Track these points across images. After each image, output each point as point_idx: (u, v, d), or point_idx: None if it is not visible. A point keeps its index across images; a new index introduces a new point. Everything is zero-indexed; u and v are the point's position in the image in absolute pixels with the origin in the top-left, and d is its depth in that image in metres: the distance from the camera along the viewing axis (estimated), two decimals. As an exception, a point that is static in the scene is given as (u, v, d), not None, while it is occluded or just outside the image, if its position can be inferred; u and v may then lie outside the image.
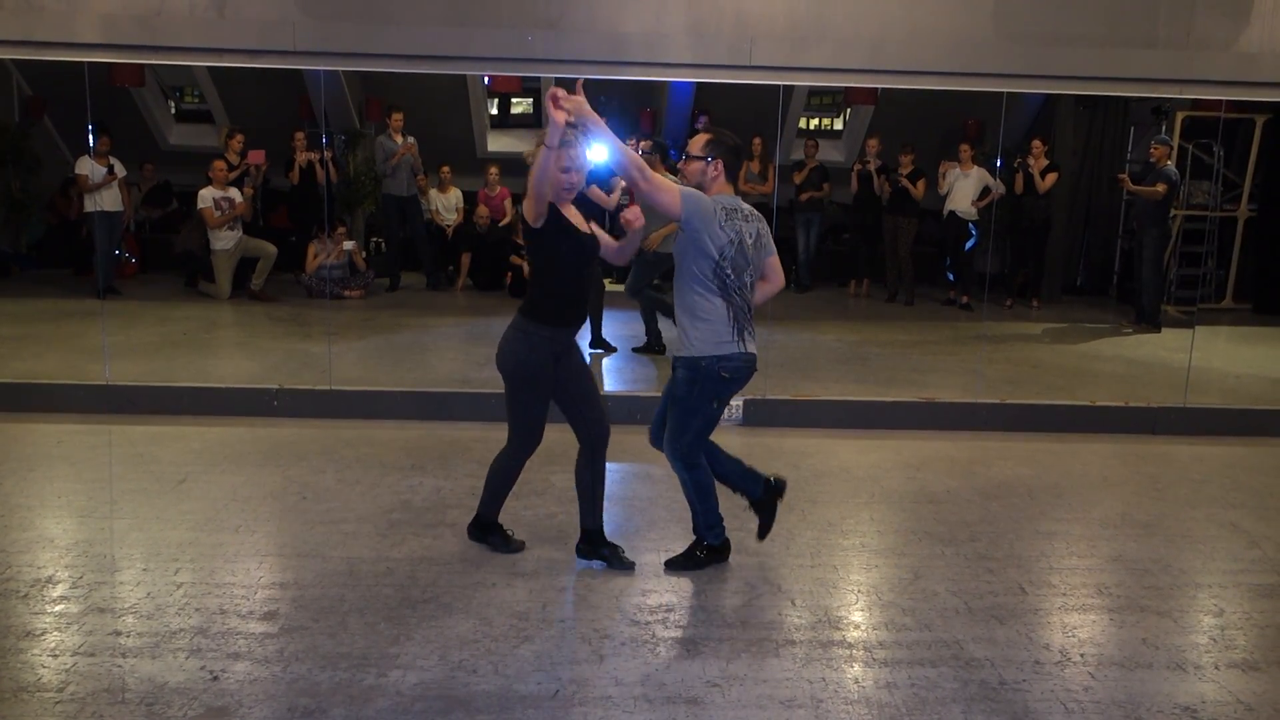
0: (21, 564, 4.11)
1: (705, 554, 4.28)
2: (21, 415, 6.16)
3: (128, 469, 5.30)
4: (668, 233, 6.65)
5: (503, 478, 4.27)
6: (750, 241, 4.02)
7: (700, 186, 4.03)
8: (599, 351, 7.87)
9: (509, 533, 4.39)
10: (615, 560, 4.24)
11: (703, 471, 4.18)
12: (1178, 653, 3.66)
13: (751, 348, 4.07)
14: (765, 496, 4.30)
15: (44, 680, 3.28)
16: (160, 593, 3.89)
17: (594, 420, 4.16)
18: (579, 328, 4.17)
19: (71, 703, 3.15)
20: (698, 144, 4.07)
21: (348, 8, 7.23)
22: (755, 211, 4.14)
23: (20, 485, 5.03)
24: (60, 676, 3.30)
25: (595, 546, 4.26)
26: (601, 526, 4.27)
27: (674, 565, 4.26)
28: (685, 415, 4.08)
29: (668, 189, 3.91)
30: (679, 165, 4.16)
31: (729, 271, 3.96)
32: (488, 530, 4.37)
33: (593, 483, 4.21)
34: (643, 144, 7.40)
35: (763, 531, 4.34)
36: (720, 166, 4.03)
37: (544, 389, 4.06)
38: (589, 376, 4.22)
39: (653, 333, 7.82)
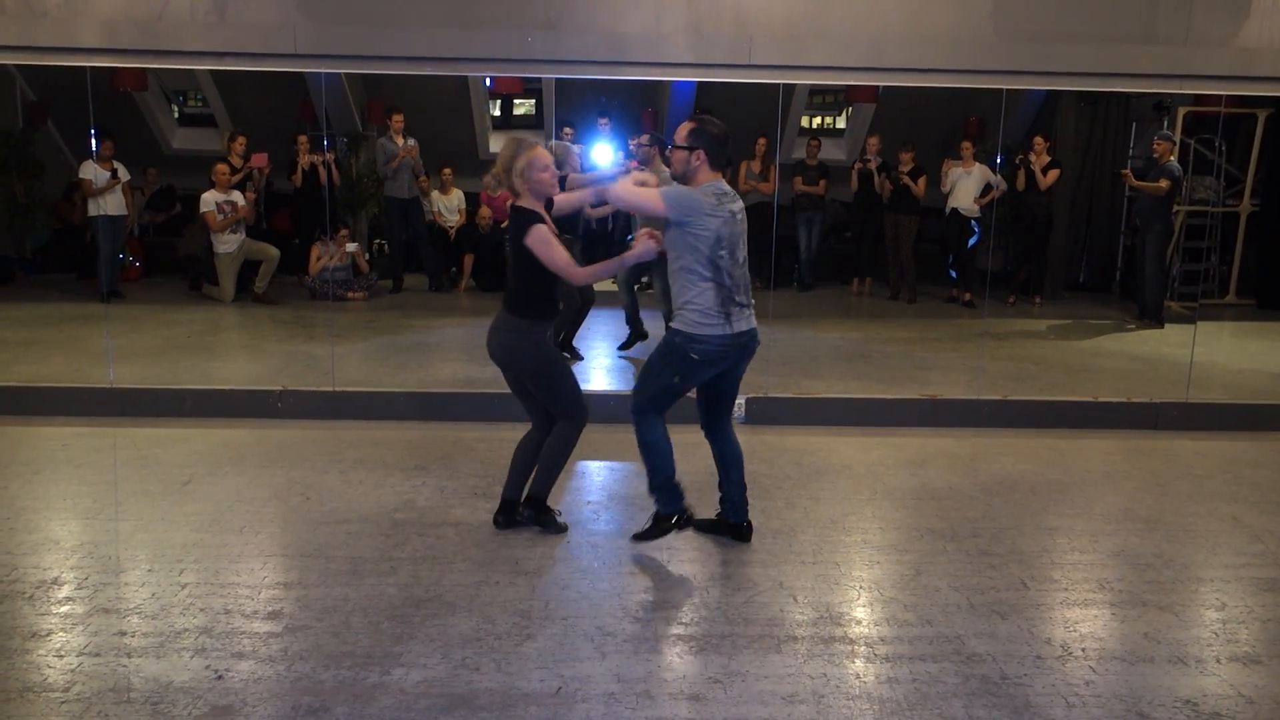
0: (27, 566, 4.14)
1: (656, 524, 4.40)
2: (26, 419, 6.19)
3: (132, 471, 5.32)
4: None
5: (563, 454, 4.49)
6: (740, 224, 4.18)
7: (685, 175, 4.15)
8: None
9: (557, 513, 4.60)
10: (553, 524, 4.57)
11: (648, 428, 4.29)
12: (1179, 647, 3.67)
13: (740, 325, 4.17)
14: (669, 516, 4.40)
15: (50, 680, 3.30)
16: (165, 593, 3.91)
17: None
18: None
19: (77, 702, 3.17)
20: (682, 133, 4.16)
21: (348, 11, 7.25)
22: (736, 195, 4.28)
23: (26, 488, 5.06)
24: (66, 676, 3.32)
25: (539, 511, 4.59)
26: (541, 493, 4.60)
27: (639, 537, 4.44)
28: (647, 376, 4.32)
29: (648, 196, 4.17)
30: (668, 154, 4.29)
31: (723, 253, 4.09)
32: (542, 509, 4.54)
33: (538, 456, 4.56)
34: (641, 139, 7.42)
35: (640, 536, 4.46)
36: (703, 156, 4.11)
37: (562, 362, 4.51)
38: None
39: (634, 324, 7.83)
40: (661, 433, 4.30)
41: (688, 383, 4.29)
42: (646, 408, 4.29)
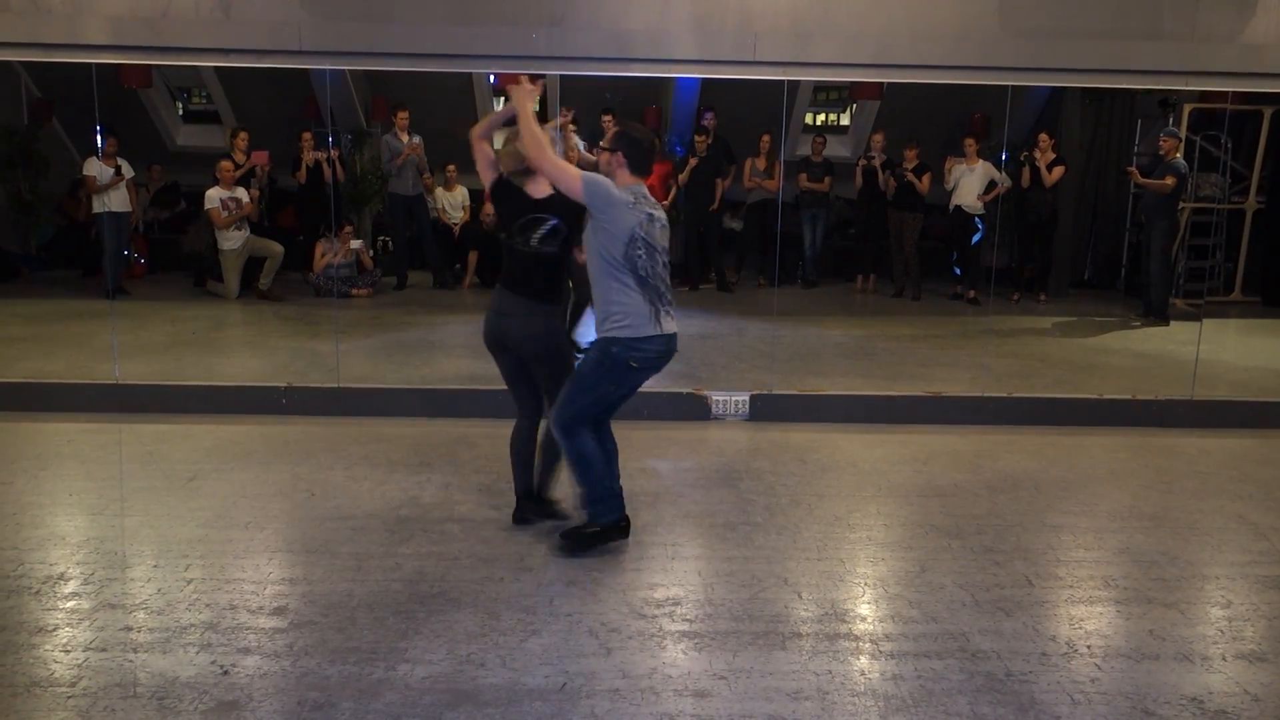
0: (33, 561, 4.15)
1: (593, 533, 4.27)
2: (32, 415, 6.20)
3: (138, 467, 5.33)
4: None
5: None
6: (659, 228, 4.10)
7: (608, 175, 4.12)
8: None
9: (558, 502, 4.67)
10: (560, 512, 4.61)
11: (582, 442, 4.17)
12: (1185, 644, 3.67)
13: (670, 327, 4.14)
14: (608, 525, 4.28)
15: (56, 675, 3.31)
16: (171, 589, 3.92)
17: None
18: None
19: (84, 697, 3.17)
20: (607, 135, 4.19)
21: (353, 7, 7.25)
22: (658, 204, 4.22)
23: (31, 484, 5.07)
24: (72, 671, 3.33)
25: (541, 505, 4.62)
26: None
27: (566, 538, 4.30)
28: (579, 389, 4.15)
29: (569, 172, 4.03)
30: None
31: (640, 253, 4.02)
32: (546, 503, 4.63)
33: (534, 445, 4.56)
34: (562, 113, 7.27)
35: (565, 540, 4.28)
36: (621, 158, 4.11)
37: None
38: None
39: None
40: (594, 444, 4.19)
41: (621, 391, 4.20)
42: (575, 422, 4.16)
